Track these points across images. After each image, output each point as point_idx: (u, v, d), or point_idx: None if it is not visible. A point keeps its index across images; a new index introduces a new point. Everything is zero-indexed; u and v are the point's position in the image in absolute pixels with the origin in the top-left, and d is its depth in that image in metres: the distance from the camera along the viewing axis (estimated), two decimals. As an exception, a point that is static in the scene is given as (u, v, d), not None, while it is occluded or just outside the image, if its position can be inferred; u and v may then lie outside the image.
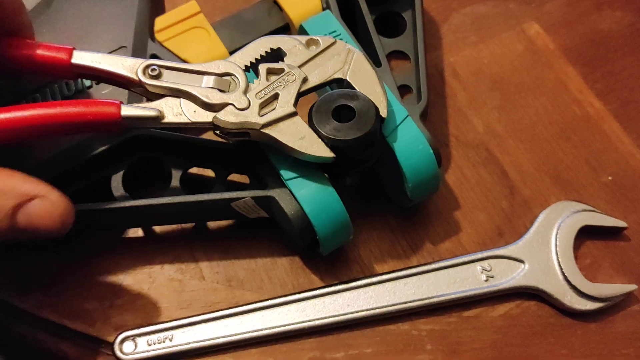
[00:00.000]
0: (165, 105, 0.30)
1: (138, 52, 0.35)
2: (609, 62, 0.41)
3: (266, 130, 0.30)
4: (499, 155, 0.38)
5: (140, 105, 0.31)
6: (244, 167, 0.34)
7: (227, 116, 0.30)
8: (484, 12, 0.42)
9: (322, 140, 0.30)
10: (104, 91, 0.34)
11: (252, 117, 0.30)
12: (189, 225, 0.36)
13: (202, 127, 0.31)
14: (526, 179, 0.37)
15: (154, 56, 0.35)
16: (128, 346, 0.33)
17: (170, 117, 0.30)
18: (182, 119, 0.30)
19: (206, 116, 0.30)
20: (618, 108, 0.39)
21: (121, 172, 0.34)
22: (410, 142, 0.32)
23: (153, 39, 0.36)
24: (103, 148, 0.33)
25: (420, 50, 0.36)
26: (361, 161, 0.31)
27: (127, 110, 0.30)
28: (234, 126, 0.30)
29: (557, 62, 0.41)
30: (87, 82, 0.34)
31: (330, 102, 0.30)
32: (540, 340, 0.34)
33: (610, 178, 0.37)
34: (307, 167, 0.31)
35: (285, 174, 0.31)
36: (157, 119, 0.30)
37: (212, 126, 0.30)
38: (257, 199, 0.32)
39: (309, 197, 0.31)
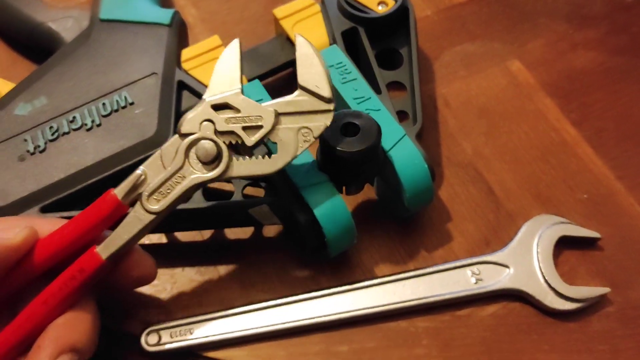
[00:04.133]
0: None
1: (167, 78, 0.39)
2: (583, 95, 0.46)
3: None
4: (486, 174, 0.42)
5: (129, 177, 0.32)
6: (260, 179, 0.38)
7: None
8: (472, 50, 0.48)
9: (335, 152, 0.34)
10: (137, 110, 0.38)
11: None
12: (207, 232, 0.40)
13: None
14: (510, 195, 0.42)
15: (181, 83, 0.40)
16: (153, 338, 0.36)
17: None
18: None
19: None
20: (591, 135, 0.44)
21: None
22: (407, 157, 0.36)
23: (180, 67, 0.41)
24: (133, 161, 0.37)
25: (416, 80, 0.41)
26: (364, 171, 0.35)
27: (119, 190, 0.32)
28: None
29: (536, 94, 0.46)
30: (122, 103, 0.38)
31: (339, 120, 0.35)
32: (525, 337, 0.37)
33: (585, 196, 0.42)
34: (317, 176, 0.35)
35: (299, 181, 0.35)
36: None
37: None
38: (272, 206, 0.36)
39: (320, 203, 0.35)
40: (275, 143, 0.33)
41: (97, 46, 0.40)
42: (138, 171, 0.32)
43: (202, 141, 0.32)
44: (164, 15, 0.42)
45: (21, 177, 0.36)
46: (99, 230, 0.32)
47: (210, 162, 0.32)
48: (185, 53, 0.41)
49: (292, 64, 0.43)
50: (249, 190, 0.39)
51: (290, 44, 0.43)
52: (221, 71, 0.33)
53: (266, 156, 0.33)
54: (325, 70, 0.33)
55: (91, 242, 0.32)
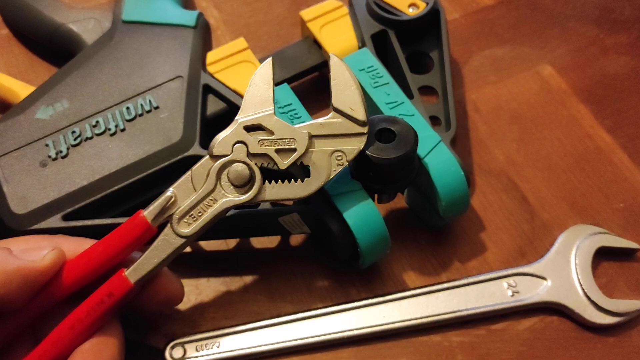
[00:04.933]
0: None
1: (193, 81, 0.38)
2: (617, 101, 0.45)
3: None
4: (519, 182, 0.41)
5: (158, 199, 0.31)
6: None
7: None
8: (501, 54, 0.46)
9: (371, 159, 0.33)
10: (162, 115, 0.37)
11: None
12: (232, 241, 0.39)
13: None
14: (545, 204, 0.40)
15: (206, 86, 0.39)
16: (177, 352, 0.35)
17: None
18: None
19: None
20: (626, 142, 0.43)
21: (174, 189, 0.37)
22: (443, 164, 0.35)
23: (205, 70, 0.40)
24: (159, 167, 0.36)
25: (449, 84, 0.40)
26: (399, 178, 0.34)
27: (149, 212, 0.31)
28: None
29: (569, 100, 0.44)
30: (147, 107, 0.37)
31: (373, 126, 0.34)
32: (564, 352, 0.36)
33: (622, 205, 0.40)
34: (350, 184, 0.34)
35: (331, 190, 0.34)
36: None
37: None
38: (303, 214, 0.35)
39: (353, 211, 0.34)
40: (308, 166, 0.32)
41: (120, 48, 0.39)
42: (168, 193, 0.31)
43: (235, 164, 0.31)
44: (188, 17, 0.40)
45: (43, 184, 0.35)
46: (128, 253, 0.31)
47: (243, 185, 0.31)
48: (211, 56, 0.40)
49: (319, 67, 0.42)
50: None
51: (318, 46, 0.42)
52: (254, 92, 0.32)
53: (299, 180, 0.32)
54: (360, 93, 0.32)
55: (118, 264, 0.31)
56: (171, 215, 0.31)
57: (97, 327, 0.30)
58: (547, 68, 0.46)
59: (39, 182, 0.35)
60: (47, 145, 0.36)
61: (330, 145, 0.32)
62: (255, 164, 0.31)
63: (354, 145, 0.32)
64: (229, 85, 0.39)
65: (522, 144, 0.43)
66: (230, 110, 0.39)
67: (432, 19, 0.42)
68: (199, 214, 0.31)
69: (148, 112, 0.37)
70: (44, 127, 0.37)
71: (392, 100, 0.37)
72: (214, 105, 0.39)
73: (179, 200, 0.31)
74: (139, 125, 0.37)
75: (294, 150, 0.31)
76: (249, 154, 0.31)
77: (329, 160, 0.32)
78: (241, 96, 0.39)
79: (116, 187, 0.35)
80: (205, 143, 0.37)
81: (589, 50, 0.47)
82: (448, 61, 0.41)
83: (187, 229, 0.31)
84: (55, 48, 0.44)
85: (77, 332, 0.29)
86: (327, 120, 0.32)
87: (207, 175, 0.31)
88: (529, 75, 0.46)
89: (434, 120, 0.40)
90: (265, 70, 0.33)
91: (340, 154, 0.32)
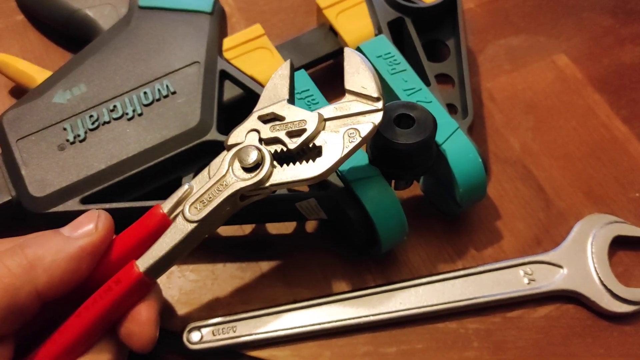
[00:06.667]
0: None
1: (209, 67, 0.38)
2: (633, 91, 0.44)
3: None
4: (535, 171, 0.41)
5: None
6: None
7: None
8: (517, 44, 0.46)
9: (390, 144, 0.33)
10: (179, 100, 0.37)
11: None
12: (248, 227, 0.39)
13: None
14: (561, 193, 0.40)
15: (223, 72, 0.39)
16: (195, 336, 0.35)
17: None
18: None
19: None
20: (642, 132, 0.43)
21: (191, 174, 0.37)
22: (461, 151, 0.35)
23: (222, 56, 0.39)
24: (176, 151, 0.36)
25: (466, 72, 0.40)
26: (418, 164, 0.34)
27: (166, 205, 0.31)
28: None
29: (585, 90, 0.44)
30: (164, 92, 0.37)
31: (392, 111, 0.34)
32: (580, 340, 0.36)
33: (637, 194, 0.40)
34: (368, 169, 0.34)
35: (349, 175, 0.34)
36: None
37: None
38: (320, 200, 0.35)
39: (371, 197, 0.33)
40: (320, 146, 0.31)
41: (137, 33, 0.39)
42: (186, 186, 0.31)
43: (245, 148, 0.31)
44: (205, 3, 0.40)
45: (61, 167, 0.35)
46: (145, 247, 0.30)
47: (252, 168, 0.31)
48: (227, 42, 0.40)
49: (335, 54, 0.42)
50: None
51: (334, 34, 0.42)
52: (271, 88, 0.32)
53: (310, 160, 0.31)
54: (372, 72, 0.32)
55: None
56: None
57: (105, 321, 0.29)
58: (563, 57, 0.46)
59: (57, 166, 0.35)
60: (64, 129, 0.36)
61: (343, 125, 0.31)
62: (269, 150, 0.31)
63: (369, 121, 0.31)
64: (245, 72, 0.39)
65: (537, 133, 0.42)
66: (247, 96, 0.39)
67: (448, 6, 0.42)
68: (209, 199, 0.30)
69: (165, 97, 0.37)
70: (62, 111, 0.37)
71: (410, 87, 0.37)
72: (230, 91, 0.39)
73: (193, 191, 0.31)
74: (156, 110, 0.37)
75: (305, 130, 0.31)
76: (261, 140, 0.31)
77: (341, 139, 0.31)
78: (258, 82, 0.39)
79: (134, 172, 0.35)
80: (222, 128, 0.37)
81: (604, 40, 0.47)
82: (465, 49, 0.41)
83: (196, 214, 0.30)
84: (70, 34, 0.44)
85: (83, 320, 0.29)
86: (340, 104, 0.32)
87: (221, 163, 0.31)
88: (545, 64, 0.45)
89: (450, 108, 0.40)
90: (284, 71, 0.33)
91: (353, 130, 0.31)
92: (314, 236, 0.39)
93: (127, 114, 0.36)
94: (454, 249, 0.38)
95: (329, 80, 0.39)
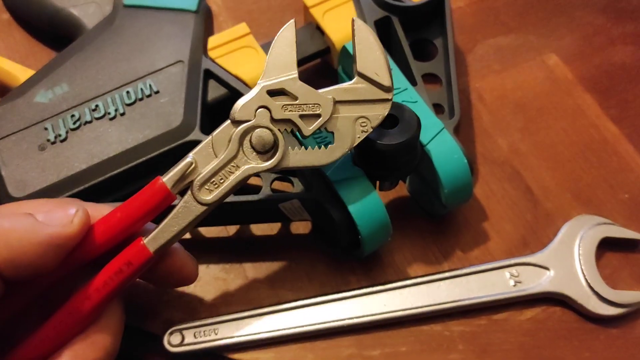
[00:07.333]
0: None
1: (194, 66, 0.38)
2: (623, 91, 0.44)
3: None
4: (523, 172, 0.41)
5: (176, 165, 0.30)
6: (289, 172, 0.37)
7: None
8: (506, 43, 0.46)
9: (373, 144, 0.32)
10: (162, 100, 0.37)
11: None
12: (232, 228, 0.39)
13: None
14: (549, 194, 0.40)
15: (207, 71, 0.38)
16: (176, 338, 0.35)
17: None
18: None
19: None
20: (632, 132, 0.42)
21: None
22: (446, 151, 0.35)
23: (206, 55, 0.39)
24: (159, 152, 0.36)
25: (453, 72, 0.39)
26: (402, 165, 0.34)
27: (168, 178, 0.30)
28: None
29: (575, 89, 0.44)
30: (147, 91, 0.37)
31: (376, 112, 0.33)
32: (566, 343, 0.36)
33: (627, 196, 0.40)
34: (352, 170, 0.34)
35: (332, 176, 0.34)
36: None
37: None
38: (304, 201, 0.35)
39: (355, 199, 0.33)
40: (332, 132, 0.31)
41: (121, 32, 0.39)
42: (188, 159, 0.30)
43: (258, 129, 0.30)
44: (190, 1, 0.40)
45: (41, 167, 0.35)
46: (146, 221, 0.30)
47: (266, 151, 0.30)
48: (212, 40, 0.40)
49: (322, 53, 0.42)
50: (276, 185, 0.37)
51: (320, 33, 0.41)
52: (277, 54, 0.31)
53: (322, 146, 0.31)
54: (385, 58, 0.31)
55: (134, 234, 0.30)
56: (191, 182, 0.30)
57: (113, 297, 0.29)
58: (553, 57, 0.45)
59: (38, 166, 0.35)
60: (46, 128, 0.36)
61: (354, 112, 0.31)
62: (279, 129, 0.30)
63: (379, 112, 0.31)
64: (230, 71, 0.39)
65: (526, 133, 0.42)
66: (231, 95, 0.38)
67: (436, 6, 0.41)
68: (221, 181, 0.30)
69: (148, 96, 0.37)
70: (43, 111, 0.36)
71: (396, 86, 0.37)
72: (215, 91, 0.38)
73: (199, 167, 0.30)
74: (139, 109, 0.36)
75: (319, 116, 0.31)
76: (272, 120, 0.30)
77: (353, 127, 0.31)
78: (243, 82, 0.39)
79: (115, 172, 0.35)
80: (206, 129, 0.37)
81: (595, 40, 0.46)
82: (452, 48, 0.40)
83: (208, 196, 0.30)
84: (55, 32, 0.43)
85: (94, 301, 0.29)
86: (351, 86, 0.31)
87: (229, 141, 0.30)
88: (535, 64, 0.45)
89: (437, 108, 0.39)
90: (287, 32, 0.32)
91: (364, 120, 0.31)
92: (298, 238, 0.38)
93: (109, 113, 0.36)
94: (440, 250, 0.38)
95: (316, 79, 0.38)
